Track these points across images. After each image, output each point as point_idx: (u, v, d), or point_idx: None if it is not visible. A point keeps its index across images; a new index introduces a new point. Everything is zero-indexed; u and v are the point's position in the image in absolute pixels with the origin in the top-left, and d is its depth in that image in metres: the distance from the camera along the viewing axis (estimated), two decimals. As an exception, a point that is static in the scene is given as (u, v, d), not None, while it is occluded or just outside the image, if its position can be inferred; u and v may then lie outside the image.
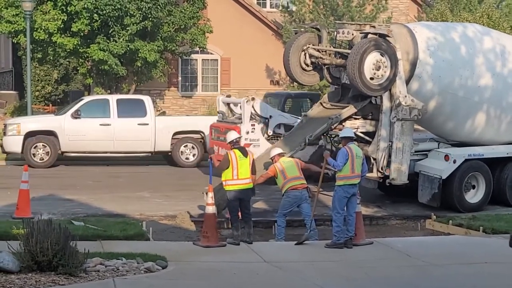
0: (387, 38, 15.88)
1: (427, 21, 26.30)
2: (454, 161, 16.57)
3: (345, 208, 12.57)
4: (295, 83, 32.84)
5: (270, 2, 34.85)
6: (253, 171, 12.98)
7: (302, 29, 19.34)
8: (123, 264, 10.19)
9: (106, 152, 22.17)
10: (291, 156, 15.05)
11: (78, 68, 28.14)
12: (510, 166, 17.23)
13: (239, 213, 12.89)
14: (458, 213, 16.04)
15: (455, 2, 31.39)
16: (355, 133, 16.44)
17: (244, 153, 12.85)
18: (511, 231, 3.44)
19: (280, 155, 14.05)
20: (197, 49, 29.14)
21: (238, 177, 12.65)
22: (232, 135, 13.12)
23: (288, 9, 32.67)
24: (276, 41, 32.54)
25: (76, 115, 21.97)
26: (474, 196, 16.89)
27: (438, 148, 17.17)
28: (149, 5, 25.11)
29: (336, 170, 12.58)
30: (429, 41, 16.39)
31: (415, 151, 16.70)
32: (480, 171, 16.86)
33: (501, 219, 14.88)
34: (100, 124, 21.79)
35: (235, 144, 12.96)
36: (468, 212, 15.98)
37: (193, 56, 31.05)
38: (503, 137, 17.56)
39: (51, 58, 27.36)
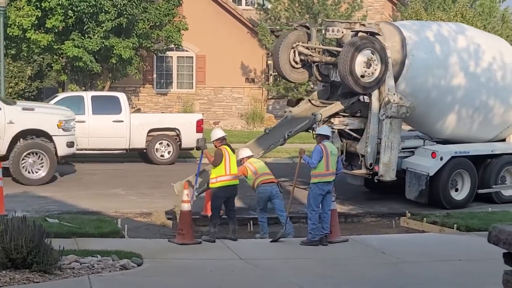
0: (377, 36, 16.02)
1: (401, 20, 26.46)
2: (441, 158, 16.73)
3: (320, 206, 12.62)
4: (270, 81, 33.07)
5: (246, 0, 34.87)
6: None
7: (292, 27, 19.41)
8: (98, 262, 10.14)
9: (80, 149, 22.00)
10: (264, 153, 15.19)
11: (52, 65, 27.95)
12: (494, 164, 17.39)
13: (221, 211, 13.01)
14: (444, 209, 16.12)
15: (429, 1, 31.67)
16: (343, 130, 16.58)
17: (232, 150, 13.13)
18: (490, 228, 3.48)
19: (249, 157, 14.13)
20: (172, 46, 29.05)
21: (230, 172, 12.77)
22: (218, 133, 13.20)
23: (264, 7, 32.72)
24: (252, 39, 32.57)
25: (51, 112, 21.75)
26: (459, 193, 17.04)
27: (424, 145, 17.33)
28: (124, 2, 25.00)
29: (310, 167, 12.62)
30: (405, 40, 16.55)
31: (402, 148, 16.85)
32: (466, 168, 17.03)
33: (475, 216, 14.98)
34: (75, 121, 21.64)
35: (222, 141, 13.07)
36: (453, 209, 16.11)
37: (168, 53, 30.99)
38: (486, 135, 17.73)
39: (25, 54, 27.17)
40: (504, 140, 18.39)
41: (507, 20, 32.24)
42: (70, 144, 18.38)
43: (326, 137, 12.98)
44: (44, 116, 18.59)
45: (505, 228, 3.27)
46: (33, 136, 18.18)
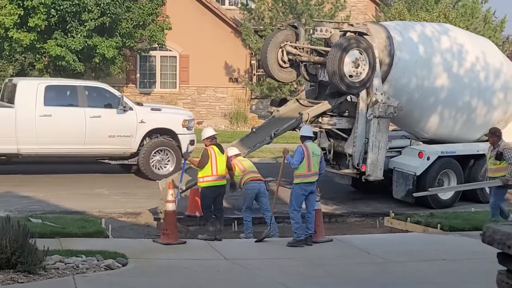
0: (365, 36, 16.06)
1: (385, 21, 26.54)
2: (428, 158, 16.80)
3: (304, 206, 12.63)
4: (253, 80, 33.07)
5: (229, 0, 34.85)
6: (229, 167, 13.25)
7: (276, 27, 19.46)
8: (83, 262, 10.09)
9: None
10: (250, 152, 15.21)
11: (34, 64, 27.78)
12: (480, 163, 17.48)
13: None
14: (428, 209, 16.17)
15: (412, 2, 31.76)
16: (331, 130, 16.60)
17: (221, 149, 13.08)
18: (484, 229, 3.50)
19: (236, 155, 14.15)
20: (156, 45, 28.99)
21: (217, 173, 12.75)
22: (209, 132, 13.17)
23: (247, 7, 32.72)
24: (235, 38, 32.55)
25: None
26: (446, 193, 17.11)
27: (410, 145, 17.39)
28: (107, 1, 24.90)
29: (292, 168, 12.64)
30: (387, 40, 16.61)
31: (389, 148, 16.91)
32: (452, 168, 17.12)
33: (458, 216, 15.05)
34: None
35: (212, 140, 13.03)
36: (440, 209, 16.18)
37: (152, 52, 30.93)
38: (471, 135, 17.81)
39: (7, 53, 27.00)
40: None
41: (489, 21, 32.41)
42: (192, 142, 18.96)
43: (309, 137, 12.97)
44: (170, 116, 19.87)
45: (499, 228, 3.28)
46: (157, 135, 19.32)
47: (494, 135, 14.01)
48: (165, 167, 19.20)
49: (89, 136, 18.55)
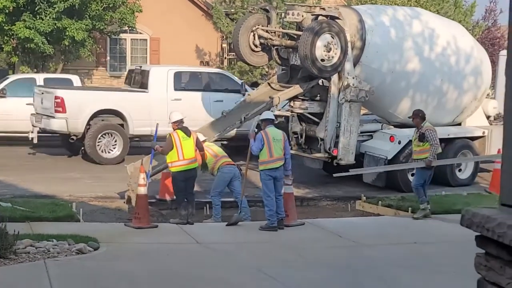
0: (337, 20, 16.04)
1: (356, 4, 26.54)
2: (399, 142, 16.87)
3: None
4: (224, 64, 32.94)
5: (200, -17, 34.61)
6: (200, 148, 13.14)
7: (252, 10, 19.36)
8: (54, 246, 10.00)
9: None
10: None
11: (2, 46, 27.41)
12: (451, 148, 17.58)
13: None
14: (401, 193, 16.23)
15: (383, -14, 31.71)
16: (302, 114, 16.58)
17: (187, 133, 12.91)
18: (463, 212, 3.50)
19: (203, 142, 14.07)
20: (126, 28, 28.72)
21: (183, 157, 12.67)
22: (175, 116, 13.08)
23: (219, -11, 32.50)
24: (206, 21, 32.38)
25: (1, 94, 21.45)
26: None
27: (382, 129, 17.43)
28: (77, -18, 24.62)
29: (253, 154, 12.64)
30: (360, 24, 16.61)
31: (361, 132, 16.93)
32: None
33: (429, 200, 15.12)
34: (27, 104, 21.29)
35: (179, 124, 12.95)
36: (411, 192, 16.22)
37: (122, 35, 30.64)
38: (442, 119, 17.89)
39: (-26, 35, 26.60)
40: (460, 124, 18.61)
41: (459, 6, 32.53)
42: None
43: (270, 121, 12.91)
44: None
45: (478, 211, 3.28)
46: None
47: (417, 116, 14.03)
48: None
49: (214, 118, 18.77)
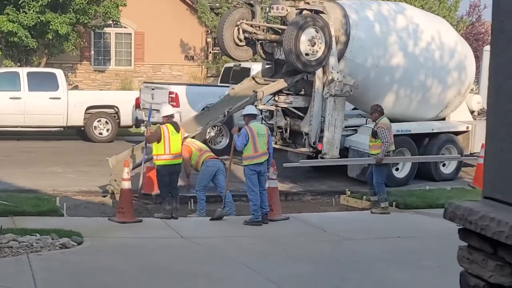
0: (321, 14, 16.03)
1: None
2: None
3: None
4: (209, 58, 32.91)
5: (185, -23, 34.52)
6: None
7: (237, 5, 19.34)
8: (37, 240, 9.96)
9: (16, 127, 21.60)
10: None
11: (-15, 40, 27.27)
12: (434, 142, 17.63)
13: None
14: (386, 187, 16.20)
15: (368, -19, 31.71)
16: (287, 108, 16.56)
17: (177, 128, 12.90)
18: (446, 205, 3.51)
19: (185, 138, 14.02)
20: (110, 22, 28.61)
21: (170, 152, 12.64)
22: (167, 109, 13.06)
23: (203, -16, 32.44)
24: (191, 16, 32.33)
25: (-15, 88, 21.32)
26: (401, 171, 17.24)
27: (366, 123, 17.46)
28: (60, -24, 24.49)
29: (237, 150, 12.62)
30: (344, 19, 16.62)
31: (345, 126, 16.95)
32: (407, 146, 17.22)
33: (413, 194, 15.20)
34: (10, 98, 21.20)
35: (169, 118, 12.94)
36: (395, 187, 16.26)
37: (106, 29, 30.55)
38: (426, 114, 17.93)
39: (-43, 29, 26.39)
40: (444, 119, 18.67)
41: (444, 1, 32.62)
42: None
43: (253, 116, 12.90)
44: None
45: (461, 204, 3.29)
46: None
47: (375, 111, 14.07)
48: None
49: None
